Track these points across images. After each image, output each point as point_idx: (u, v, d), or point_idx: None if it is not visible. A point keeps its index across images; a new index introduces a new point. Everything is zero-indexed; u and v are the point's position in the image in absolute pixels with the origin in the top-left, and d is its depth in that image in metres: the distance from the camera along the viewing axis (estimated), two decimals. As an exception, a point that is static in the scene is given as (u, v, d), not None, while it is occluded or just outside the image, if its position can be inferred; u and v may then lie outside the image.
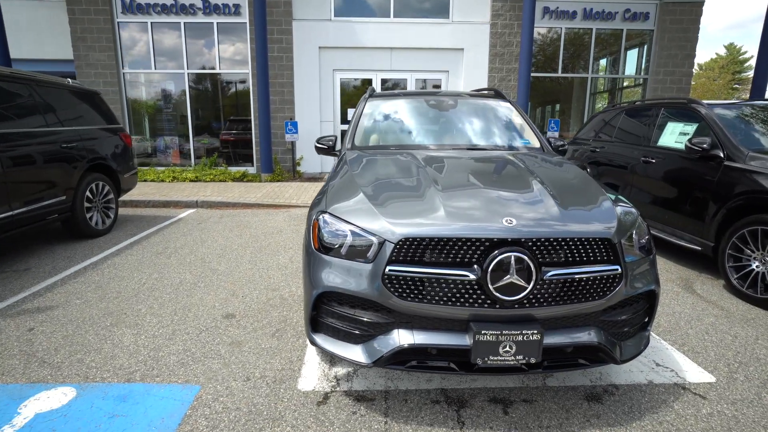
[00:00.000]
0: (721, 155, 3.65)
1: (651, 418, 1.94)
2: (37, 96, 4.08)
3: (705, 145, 3.74)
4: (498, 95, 3.68)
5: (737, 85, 36.38)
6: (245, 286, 3.44)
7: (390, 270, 1.69)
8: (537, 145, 3.10)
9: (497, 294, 1.64)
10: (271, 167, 9.20)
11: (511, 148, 3.00)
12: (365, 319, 1.80)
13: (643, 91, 10.48)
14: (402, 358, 1.76)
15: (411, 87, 10.04)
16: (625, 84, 10.86)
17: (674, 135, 4.37)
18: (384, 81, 10.02)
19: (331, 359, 2.38)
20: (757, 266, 3.26)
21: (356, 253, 1.79)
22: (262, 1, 8.30)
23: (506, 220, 1.70)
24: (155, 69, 9.55)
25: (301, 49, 9.48)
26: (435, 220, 1.73)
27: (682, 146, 4.10)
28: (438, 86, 10.14)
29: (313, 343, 1.95)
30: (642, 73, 10.45)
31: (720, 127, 3.80)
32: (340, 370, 2.28)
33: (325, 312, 1.91)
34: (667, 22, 9.88)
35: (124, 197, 6.68)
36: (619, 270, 1.74)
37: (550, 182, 2.13)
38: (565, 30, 10.01)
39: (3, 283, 3.40)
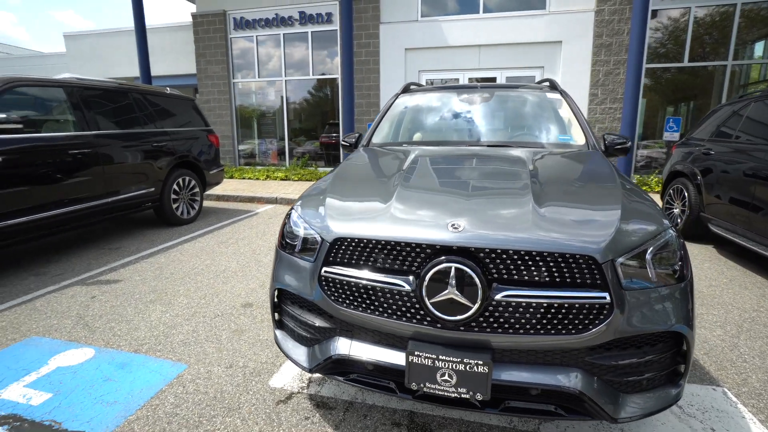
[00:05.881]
0: None
1: (667, 502, 1.45)
2: (138, 103, 4.85)
3: None
4: (551, 87, 3.19)
5: None
6: (276, 278, 3.59)
7: (325, 271, 1.56)
8: (581, 142, 2.59)
9: (436, 312, 1.39)
10: (353, 168, 9.52)
11: (537, 144, 2.57)
12: (310, 322, 1.70)
13: (812, 80, 8.17)
14: (340, 368, 1.62)
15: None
16: (783, 71, 8.59)
17: (817, 131, 3.27)
18: (471, 81, 9.61)
19: (314, 360, 2.32)
20: None
21: (305, 251, 1.70)
22: (349, 7, 8.65)
23: (452, 225, 1.43)
24: (258, 78, 10.68)
25: (387, 51, 9.63)
26: (376, 221, 1.54)
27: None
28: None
29: (275, 338, 1.91)
30: (811, 57, 8.16)
31: None
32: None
33: (282, 310, 1.86)
34: None
35: (218, 192, 7.58)
36: (607, 299, 1.33)
37: (549, 186, 1.75)
38: (695, 10, 8.34)
39: (96, 257, 4.12)
